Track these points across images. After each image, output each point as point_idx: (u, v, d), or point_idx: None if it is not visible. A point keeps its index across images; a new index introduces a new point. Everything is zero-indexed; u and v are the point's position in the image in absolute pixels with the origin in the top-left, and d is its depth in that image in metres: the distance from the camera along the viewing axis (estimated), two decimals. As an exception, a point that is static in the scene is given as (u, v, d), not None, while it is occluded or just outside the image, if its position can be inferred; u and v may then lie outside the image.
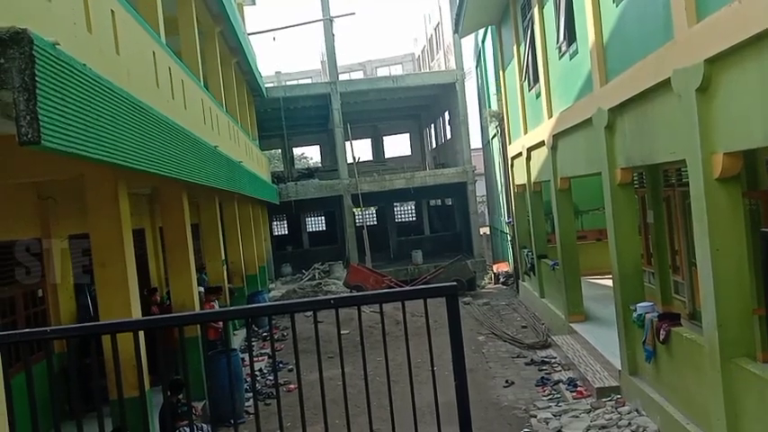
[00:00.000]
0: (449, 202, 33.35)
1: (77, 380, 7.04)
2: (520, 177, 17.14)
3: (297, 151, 41.98)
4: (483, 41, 24.14)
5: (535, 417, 8.82)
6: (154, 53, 8.00)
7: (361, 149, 37.73)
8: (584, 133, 10.03)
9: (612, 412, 8.33)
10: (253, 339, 15.17)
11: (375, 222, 33.09)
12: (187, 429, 8.02)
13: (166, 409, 7.96)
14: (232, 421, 9.46)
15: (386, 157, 38.69)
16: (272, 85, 31.61)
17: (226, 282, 14.10)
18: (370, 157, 38.14)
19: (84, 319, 10.28)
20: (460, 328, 2.94)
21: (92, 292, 10.07)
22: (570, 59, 10.79)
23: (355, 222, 26.86)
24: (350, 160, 27.19)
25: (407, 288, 3.71)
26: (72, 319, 10.17)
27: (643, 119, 7.61)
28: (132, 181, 8.25)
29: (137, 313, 7.36)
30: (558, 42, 11.45)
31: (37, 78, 3.78)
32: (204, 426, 8.52)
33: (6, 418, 2.87)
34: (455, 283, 3.08)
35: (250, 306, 3.29)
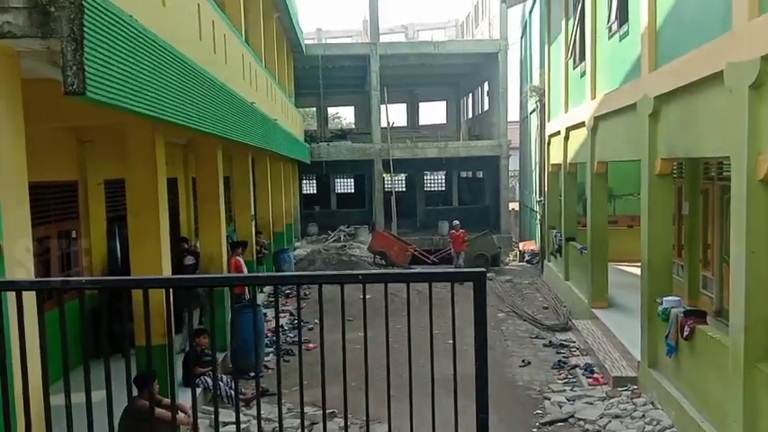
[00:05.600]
0: (480, 174, 33.05)
1: (107, 322, 7.26)
2: (556, 156, 16.87)
3: (331, 110, 41.84)
4: (530, 12, 23.54)
5: (549, 399, 8.86)
6: (198, 5, 7.99)
7: (396, 114, 37.45)
8: (627, 119, 9.80)
9: (627, 402, 8.33)
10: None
11: (404, 189, 32.99)
12: (208, 379, 8.26)
13: (191, 356, 8.17)
14: (251, 374, 9.73)
15: (420, 123, 38.38)
16: (311, 41, 31.37)
17: (253, 237, 14.25)
18: (405, 123, 37.87)
19: (113, 263, 10.54)
20: (486, 314, 2.93)
21: (122, 236, 10.28)
22: (620, 41, 10.47)
23: (384, 188, 26.83)
24: (384, 124, 27.02)
25: (435, 270, 3.71)
26: (103, 261, 10.43)
27: (690, 110, 7.39)
28: (169, 131, 8.33)
29: (167, 263, 7.48)
30: (608, 22, 11.11)
31: (85, 29, 3.80)
32: (224, 377, 8.76)
33: (39, 355, 2.97)
34: (484, 270, 3.07)
35: (278, 274, 3.35)
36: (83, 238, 9.96)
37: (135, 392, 5.44)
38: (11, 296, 2.99)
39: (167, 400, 6.10)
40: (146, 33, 4.99)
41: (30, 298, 3.05)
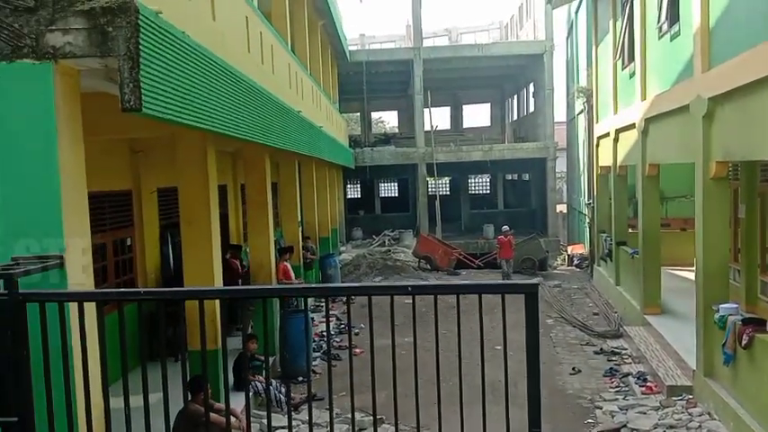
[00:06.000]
0: (526, 177, 32.62)
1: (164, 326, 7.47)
2: (605, 158, 16.53)
3: (375, 115, 42.00)
4: (576, 12, 23.16)
5: (601, 408, 8.67)
6: (247, 18, 8.14)
7: (439, 117, 37.30)
8: (680, 120, 9.53)
9: (683, 412, 8.08)
10: (322, 301, 15.51)
11: (448, 193, 32.84)
12: (258, 384, 8.40)
13: (244, 362, 8.32)
14: (300, 378, 9.86)
15: (464, 126, 38.14)
16: (355, 47, 31.56)
17: (300, 242, 14.42)
18: (448, 126, 37.70)
19: (166, 270, 10.81)
20: (538, 330, 2.90)
21: (174, 242, 10.55)
22: (671, 41, 10.20)
23: (428, 191, 26.76)
24: (427, 128, 26.98)
25: (485, 282, 3.69)
26: (156, 268, 10.73)
27: (747, 111, 7.14)
28: (220, 141, 8.52)
29: (219, 269, 7.62)
30: (659, 21, 10.84)
31: (141, 47, 3.93)
32: (274, 381, 8.88)
33: (99, 361, 3.11)
34: (536, 283, 3.04)
35: (329, 285, 3.40)
36: (137, 246, 10.27)
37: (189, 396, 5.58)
38: (73, 307, 3.13)
39: (219, 405, 6.23)
40: (198, 48, 5.12)
41: (90, 307, 3.19)
